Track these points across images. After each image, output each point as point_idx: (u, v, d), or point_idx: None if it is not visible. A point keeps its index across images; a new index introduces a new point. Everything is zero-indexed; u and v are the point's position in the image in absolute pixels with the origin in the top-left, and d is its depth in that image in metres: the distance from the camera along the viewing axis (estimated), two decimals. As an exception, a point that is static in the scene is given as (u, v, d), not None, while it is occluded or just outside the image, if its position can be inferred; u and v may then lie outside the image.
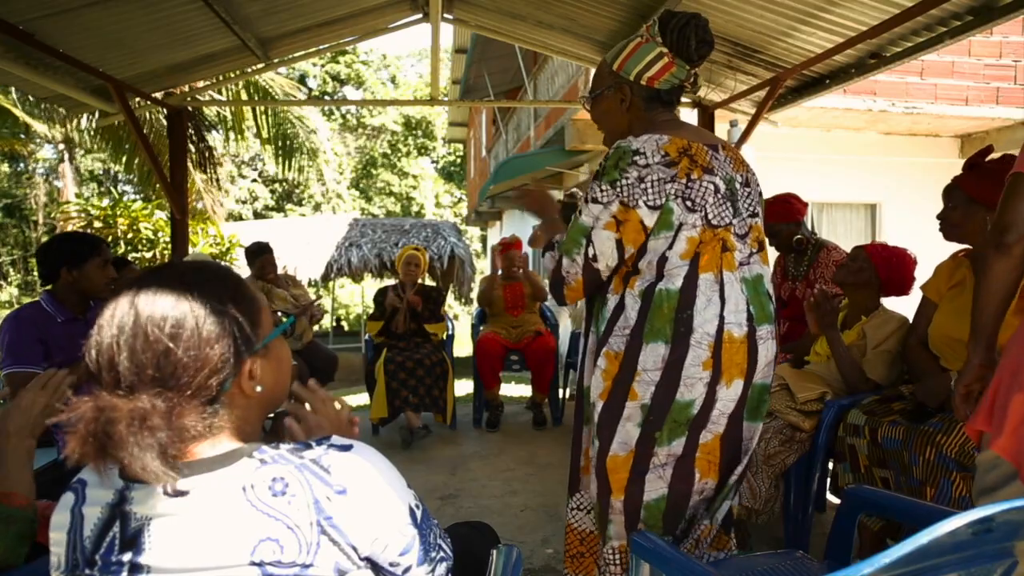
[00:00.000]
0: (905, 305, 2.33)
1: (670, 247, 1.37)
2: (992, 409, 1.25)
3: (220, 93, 6.57)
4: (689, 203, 1.36)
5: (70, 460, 0.68)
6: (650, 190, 1.36)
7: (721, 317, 1.36)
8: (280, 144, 8.86)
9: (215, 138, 9.41)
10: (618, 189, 1.37)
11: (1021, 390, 1.20)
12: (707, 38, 1.46)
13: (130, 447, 0.66)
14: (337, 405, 1.01)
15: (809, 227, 3.17)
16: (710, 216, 1.38)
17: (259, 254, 4.17)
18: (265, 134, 8.80)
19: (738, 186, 1.44)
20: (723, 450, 1.42)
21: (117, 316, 0.72)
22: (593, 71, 6.17)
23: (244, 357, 0.76)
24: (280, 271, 4.43)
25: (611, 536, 1.45)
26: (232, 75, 4.93)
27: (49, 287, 2.30)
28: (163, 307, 0.72)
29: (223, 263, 0.91)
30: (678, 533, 1.46)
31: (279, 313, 3.97)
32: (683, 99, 1.66)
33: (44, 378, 1.21)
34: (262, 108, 8.45)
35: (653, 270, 1.39)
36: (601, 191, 1.39)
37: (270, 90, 8.02)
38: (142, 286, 0.74)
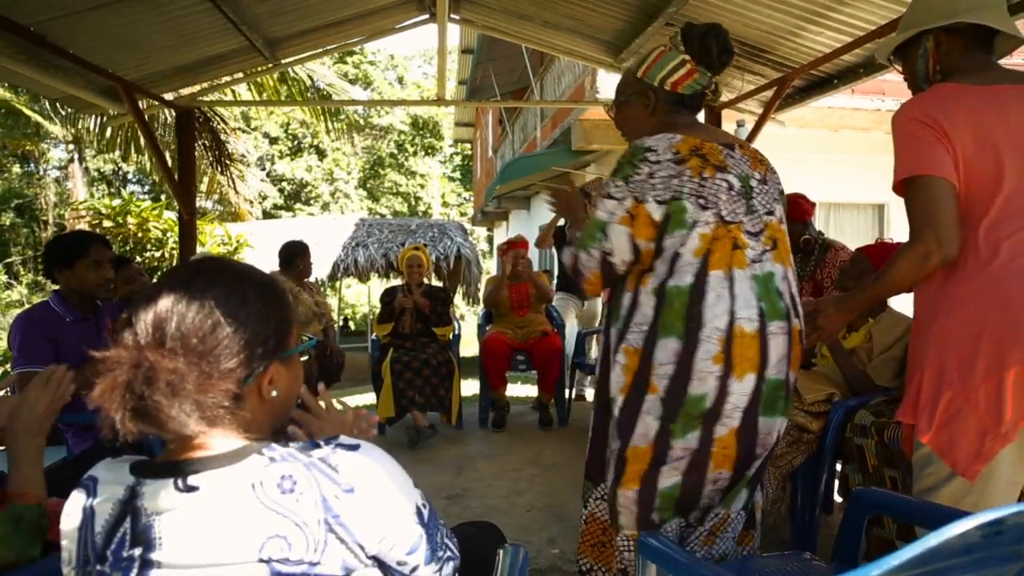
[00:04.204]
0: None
1: (683, 244, 1.40)
2: (918, 405, 1.34)
3: (247, 90, 6.61)
4: (702, 201, 1.40)
5: (94, 403, 0.70)
6: (659, 186, 1.40)
7: (732, 312, 1.39)
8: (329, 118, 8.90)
9: (239, 140, 9.43)
10: (631, 185, 1.42)
11: (950, 388, 1.28)
12: (728, 47, 1.53)
13: (170, 397, 0.70)
14: (339, 405, 1.04)
15: (816, 227, 3.15)
16: (723, 213, 1.41)
17: (301, 254, 4.19)
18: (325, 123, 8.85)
19: (754, 183, 1.48)
20: (738, 444, 1.44)
21: (176, 289, 0.75)
22: (600, 71, 6.16)
23: (272, 359, 0.79)
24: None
25: (623, 525, 1.48)
26: (244, 73, 4.94)
27: (56, 288, 2.32)
28: (221, 290, 0.76)
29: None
30: (691, 520, 1.49)
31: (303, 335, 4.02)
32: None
33: (46, 375, 1.21)
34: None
35: (666, 267, 1.42)
36: (616, 187, 1.45)
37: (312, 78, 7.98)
38: (200, 270, 0.79)
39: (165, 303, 0.74)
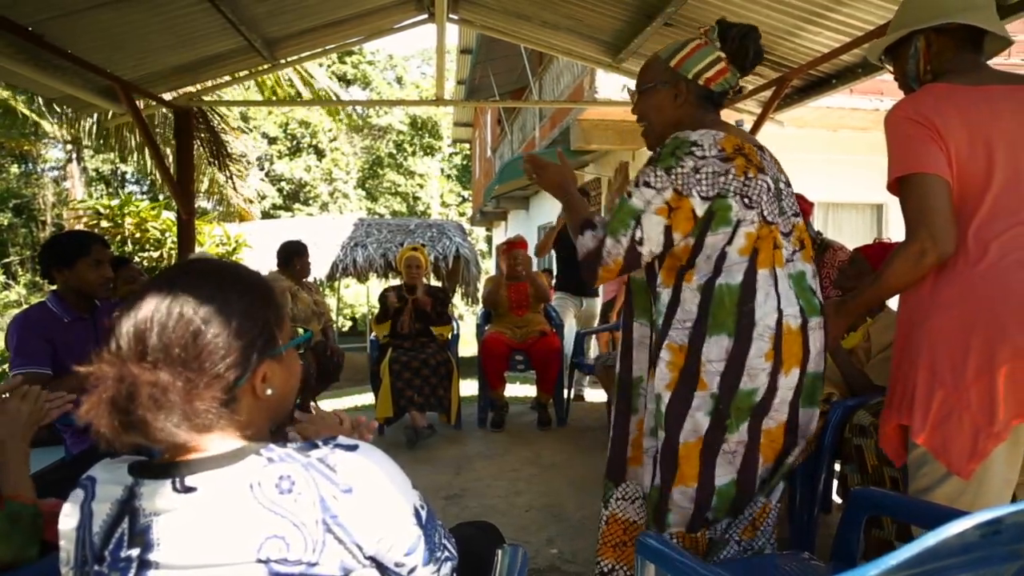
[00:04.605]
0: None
1: (729, 243, 1.41)
2: (912, 405, 1.34)
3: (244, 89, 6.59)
4: (747, 200, 1.41)
5: (82, 420, 0.70)
6: (704, 181, 1.40)
7: (779, 310, 1.41)
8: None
9: (238, 140, 9.41)
10: (673, 176, 1.41)
11: (942, 387, 1.29)
12: (761, 52, 1.55)
13: (154, 411, 0.69)
14: (341, 420, 1.05)
15: (815, 227, 3.15)
16: (765, 213, 1.43)
17: (299, 254, 4.19)
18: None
19: (782, 186, 1.51)
20: (785, 436, 1.48)
21: (156, 295, 0.74)
22: (598, 71, 6.13)
23: (263, 358, 0.78)
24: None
25: (671, 524, 1.48)
26: (249, 71, 4.93)
27: (54, 288, 2.31)
28: (203, 293, 0.75)
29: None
30: (738, 518, 1.50)
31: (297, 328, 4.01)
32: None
33: (22, 391, 1.24)
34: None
35: (711, 265, 1.42)
36: (656, 176, 1.42)
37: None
38: (184, 272, 0.78)
39: (145, 312, 0.73)
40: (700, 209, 1.40)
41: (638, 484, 1.57)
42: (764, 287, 1.41)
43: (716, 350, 1.40)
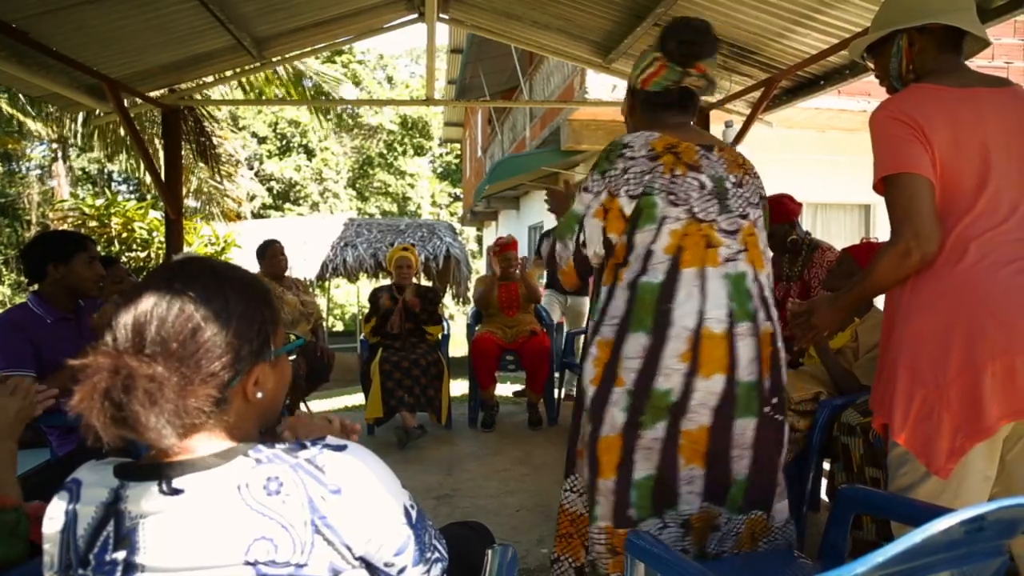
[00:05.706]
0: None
1: (654, 240, 1.44)
2: (893, 404, 1.35)
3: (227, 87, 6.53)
4: (672, 197, 1.44)
5: (73, 411, 0.69)
6: (631, 180, 1.45)
7: (701, 312, 1.42)
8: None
9: (227, 140, 9.34)
10: (607, 179, 1.47)
11: (923, 387, 1.30)
12: (692, 38, 1.52)
13: (147, 406, 0.69)
14: (330, 421, 1.04)
15: (803, 228, 3.18)
16: (696, 211, 1.45)
17: (261, 255, 4.16)
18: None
19: (728, 186, 1.50)
20: (710, 441, 1.46)
21: (156, 290, 0.74)
22: (589, 72, 6.14)
23: (257, 361, 0.78)
24: (288, 272, 4.41)
25: (598, 516, 1.48)
26: (241, 70, 4.89)
27: (36, 287, 2.27)
28: (204, 291, 0.75)
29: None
30: (667, 520, 1.47)
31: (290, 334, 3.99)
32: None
33: (11, 385, 1.20)
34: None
35: (640, 263, 1.45)
36: (592, 181, 1.50)
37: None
38: (184, 270, 0.78)
39: (144, 306, 0.73)
40: (628, 208, 1.45)
41: (584, 477, 1.59)
42: (686, 287, 1.41)
43: (634, 347, 1.43)
